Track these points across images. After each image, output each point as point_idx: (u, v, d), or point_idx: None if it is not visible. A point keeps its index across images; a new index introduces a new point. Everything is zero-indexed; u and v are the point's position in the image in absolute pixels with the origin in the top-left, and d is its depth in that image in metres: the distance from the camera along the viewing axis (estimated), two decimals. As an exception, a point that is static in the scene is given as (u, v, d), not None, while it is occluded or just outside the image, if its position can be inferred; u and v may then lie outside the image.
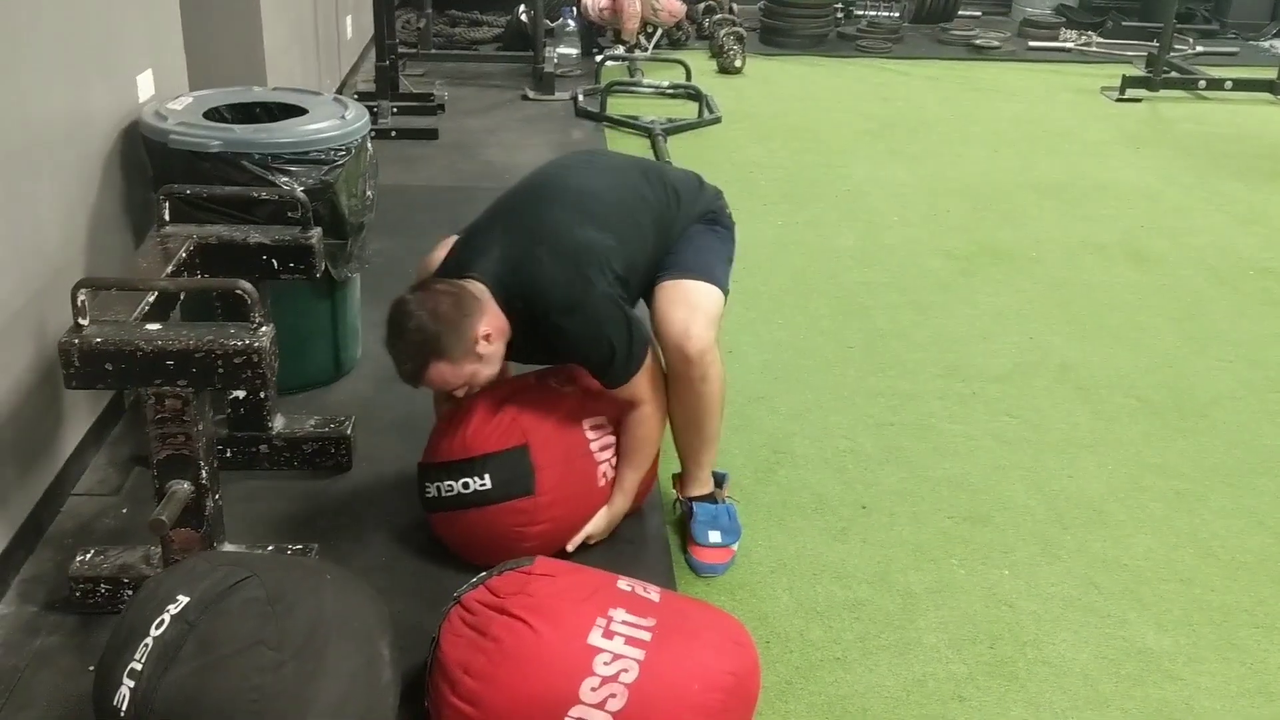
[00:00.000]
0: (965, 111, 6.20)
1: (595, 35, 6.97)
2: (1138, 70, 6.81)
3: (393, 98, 5.30)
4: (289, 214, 2.46)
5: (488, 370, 2.16)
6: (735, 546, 2.42)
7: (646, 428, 2.30)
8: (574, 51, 6.94)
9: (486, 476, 2.20)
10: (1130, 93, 6.41)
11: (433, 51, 6.46)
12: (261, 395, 2.52)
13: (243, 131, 2.63)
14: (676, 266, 2.32)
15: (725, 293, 2.35)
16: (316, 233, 2.41)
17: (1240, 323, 3.67)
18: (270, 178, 2.57)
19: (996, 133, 5.78)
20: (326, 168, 2.65)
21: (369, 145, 2.88)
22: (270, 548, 2.21)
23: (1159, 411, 3.08)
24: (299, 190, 2.52)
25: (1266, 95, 6.54)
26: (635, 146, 5.19)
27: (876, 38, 7.59)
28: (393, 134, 5.08)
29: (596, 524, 2.32)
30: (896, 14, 7.96)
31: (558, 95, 5.90)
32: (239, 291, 1.88)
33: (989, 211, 4.62)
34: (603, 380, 2.23)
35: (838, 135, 5.64)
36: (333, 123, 2.72)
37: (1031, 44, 7.71)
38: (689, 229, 2.39)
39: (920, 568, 2.40)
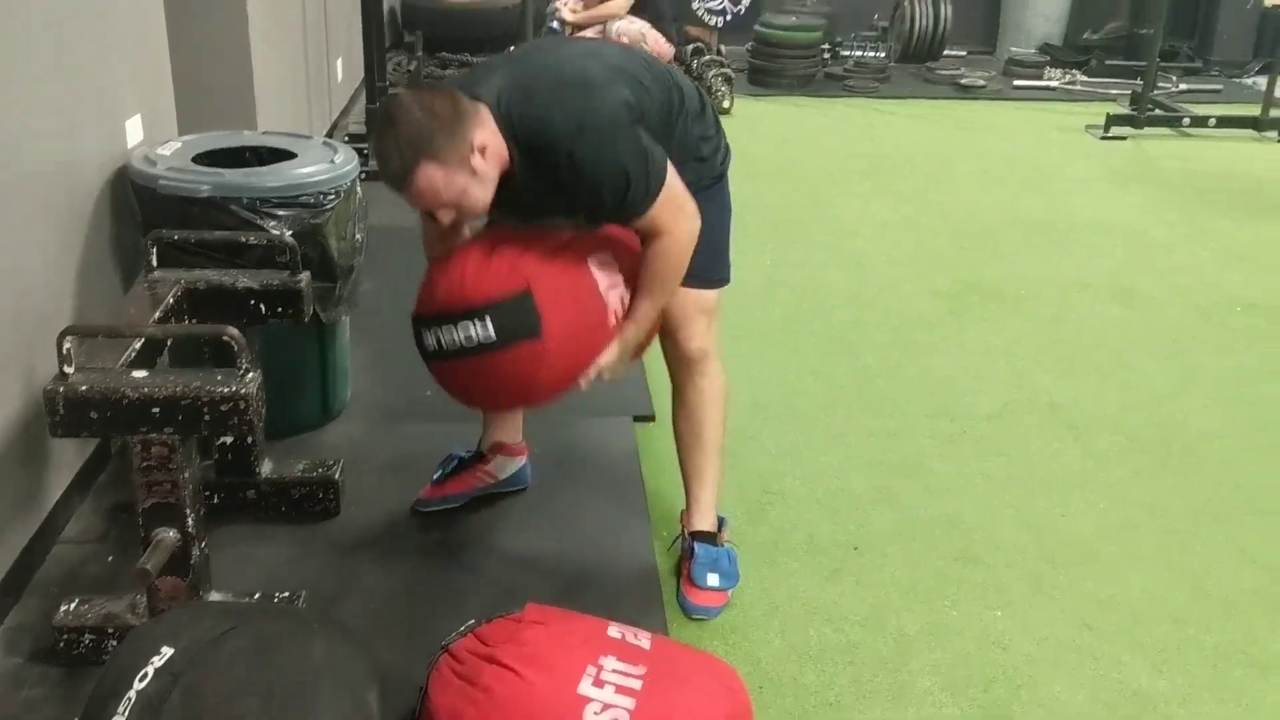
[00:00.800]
0: (952, 150, 6.25)
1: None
2: (1122, 108, 6.88)
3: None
4: (278, 258, 2.45)
5: (479, 192, 1.96)
6: (731, 591, 2.40)
7: (665, 260, 2.09)
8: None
9: (489, 324, 1.97)
10: (1115, 130, 6.47)
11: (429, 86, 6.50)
12: (249, 441, 2.51)
13: (232, 176, 2.63)
14: None
15: (726, 281, 2.37)
16: (305, 277, 2.41)
17: (1226, 359, 3.69)
18: (259, 222, 2.57)
19: (983, 171, 5.82)
20: (316, 211, 2.65)
21: (359, 188, 2.89)
22: (257, 595, 2.19)
23: (1148, 449, 3.08)
24: (288, 234, 2.52)
25: (1250, 132, 6.61)
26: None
27: (864, 77, 7.65)
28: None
29: (609, 356, 2.11)
30: (883, 54, 8.03)
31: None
32: (226, 338, 1.87)
33: (976, 249, 4.64)
34: (621, 216, 2.05)
35: (826, 174, 5.68)
36: (322, 166, 2.72)
37: (1017, 83, 7.79)
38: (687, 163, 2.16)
39: (913, 609, 2.38)
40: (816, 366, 3.53)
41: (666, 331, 2.29)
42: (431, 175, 1.91)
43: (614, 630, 1.91)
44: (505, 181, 2.01)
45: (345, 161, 2.79)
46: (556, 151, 1.95)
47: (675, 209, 2.05)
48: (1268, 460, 3.05)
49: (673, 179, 2.04)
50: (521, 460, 2.70)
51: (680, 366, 2.37)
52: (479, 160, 1.93)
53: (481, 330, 1.98)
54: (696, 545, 2.41)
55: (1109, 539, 2.66)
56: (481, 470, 2.64)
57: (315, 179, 2.67)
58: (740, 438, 3.04)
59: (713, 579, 2.38)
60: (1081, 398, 3.37)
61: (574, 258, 2.07)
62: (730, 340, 3.65)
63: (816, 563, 2.53)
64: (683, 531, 2.48)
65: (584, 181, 1.97)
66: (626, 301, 2.13)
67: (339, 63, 5.73)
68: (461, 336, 1.99)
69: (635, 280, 2.14)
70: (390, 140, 1.91)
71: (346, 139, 5.50)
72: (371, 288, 3.63)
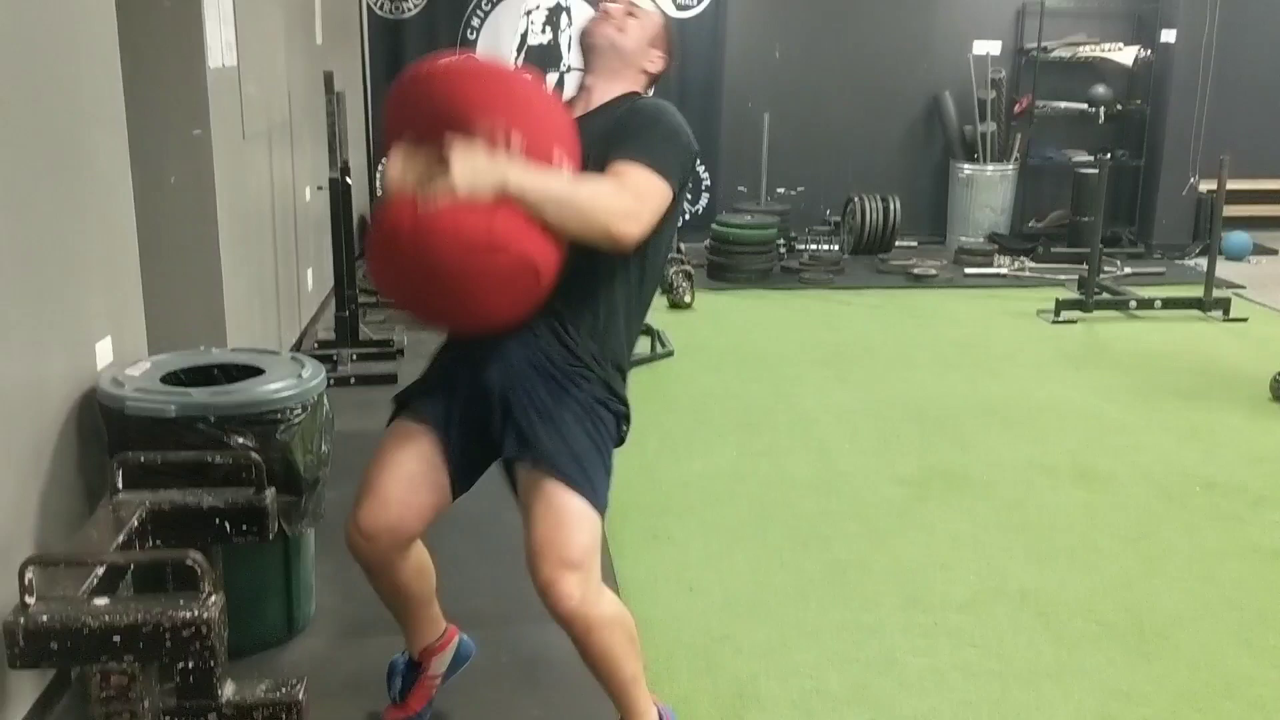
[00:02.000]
0: (908, 337, 6.42)
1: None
2: (1071, 293, 7.12)
3: (352, 345, 5.41)
4: (243, 475, 2.47)
5: (636, 37, 2.25)
6: None
7: (595, 196, 2.01)
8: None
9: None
10: (1065, 314, 6.68)
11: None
12: (210, 663, 2.46)
13: (199, 395, 2.67)
14: (554, 451, 2.11)
15: (604, 510, 2.16)
16: (270, 494, 2.42)
17: (1191, 539, 3.72)
18: (226, 439, 2.59)
19: (940, 357, 5.97)
20: (282, 426, 2.68)
21: (325, 400, 2.93)
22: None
23: (1120, 635, 3.08)
24: (253, 452, 2.55)
25: (1195, 312, 6.84)
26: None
27: (819, 270, 7.91)
28: (352, 381, 5.16)
29: (466, 158, 1.93)
30: (836, 247, 8.33)
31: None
32: (189, 562, 1.87)
33: (938, 435, 4.72)
34: (620, 148, 2.06)
35: (787, 364, 5.80)
36: (289, 382, 2.77)
37: (967, 270, 8.07)
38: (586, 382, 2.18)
39: (893, 815, 2.33)
40: (787, 559, 3.53)
41: (532, 568, 2.09)
42: None
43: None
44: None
45: (312, 375, 2.85)
46: (633, 106, 2.18)
47: (642, 193, 2.05)
48: (1240, 643, 3.05)
49: (661, 182, 2.07)
50: (453, 644, 2.64)
51: (555, 615, 2.12)
52: (651, 54, 2.27)
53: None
54: None
55: (1088, 731, 2.63)
56: (427, 679, 2.60)
57: (282, 394, 2.71)
58: (713, 637, 3.01)
59: None
60: (1051, 584, 3.37)
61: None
62: (700, 535, 3.67)
63: (793, 769, 2.48)
64: None
65: (631, 118, 2.14)
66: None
67: (309, 272, 5.88)
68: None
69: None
70: None
71: (316, 346, 5.60)
72: (336, 496, 3.63)
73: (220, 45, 4.07)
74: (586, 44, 2.26)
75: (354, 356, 5.35)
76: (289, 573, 2.92)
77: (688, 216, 8.90)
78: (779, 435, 4.72)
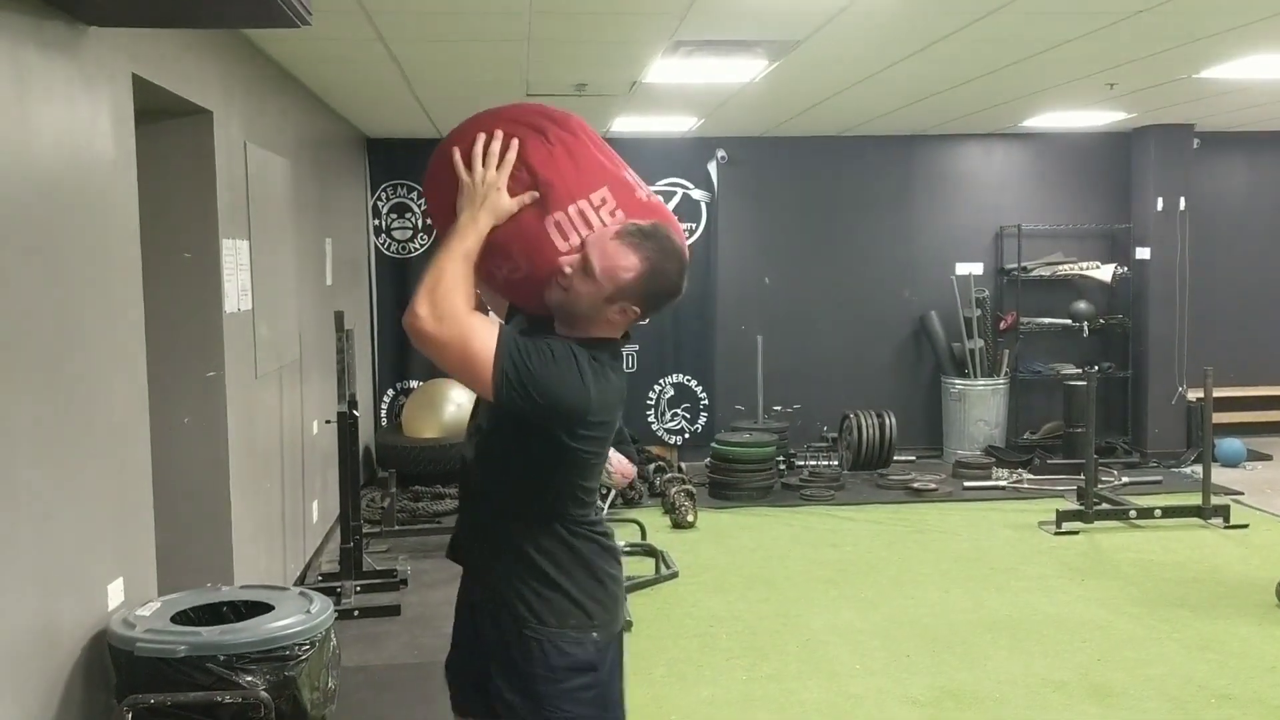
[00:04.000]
0: (912, 553, 6.42)
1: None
2: (1070, 503, 7.16)
3: (356, 577, 5.42)
4: (250, 715, 2.48)
5: (583, 291, 2.11)
6: None
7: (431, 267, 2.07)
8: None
9: None
10: (1066, 525, 6.71)
11: (396, 528, 6.68)
12: None
13: (208, 634, 2.70)
14: None
15: None
16: (278, 732, 2.42)
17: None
18: (234, 678, 2.61)
19: (944, 572, 5.96)
20: (290, 663, 2.70)
21: (332, 635, 2.95)
22: None
23: None
24: (261, 690, 2.56)
25: (1195, 520, 6.87)
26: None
27: (819, 486, 7.97)
28: (355, 613, 5.15)
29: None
30: (836, 463, 8.42)
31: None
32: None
33: (947, 653, 4.67)
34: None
35: (792, 583, 5.78)
36: (298, 618, 2.81)
37: (966, 484, 8.13)
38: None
39: None
40: (799, 790, 3.45)
41: None
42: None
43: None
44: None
45: (320, 610, 2.89)
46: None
47: (460, 317, 2.04)
48: None
49: (487, 343, 2.04)
50: None
51: None
52: (614, 313, 2.13)
53: None
54: None
55: None
56: None
57: (290, 630, 2.74)
58: None
59: None
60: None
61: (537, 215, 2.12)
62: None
63: None
64: None
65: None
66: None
67: (314, 504, 5.95)
68: None
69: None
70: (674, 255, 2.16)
71: (320, 578, 5.61)
72: (342, 733, 3.60)
73: (236, 291, 4.28)
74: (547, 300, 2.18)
75: (358, 589, 5.35)
76: (293, 817, 2.86)
77: (687, 436, 9.05)
78: (787, 659, 4.67)
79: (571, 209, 2.12)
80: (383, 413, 8.71)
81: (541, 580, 2.17)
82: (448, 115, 7.40)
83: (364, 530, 5.79)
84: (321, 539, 6.24)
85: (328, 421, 5.67)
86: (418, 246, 8.73)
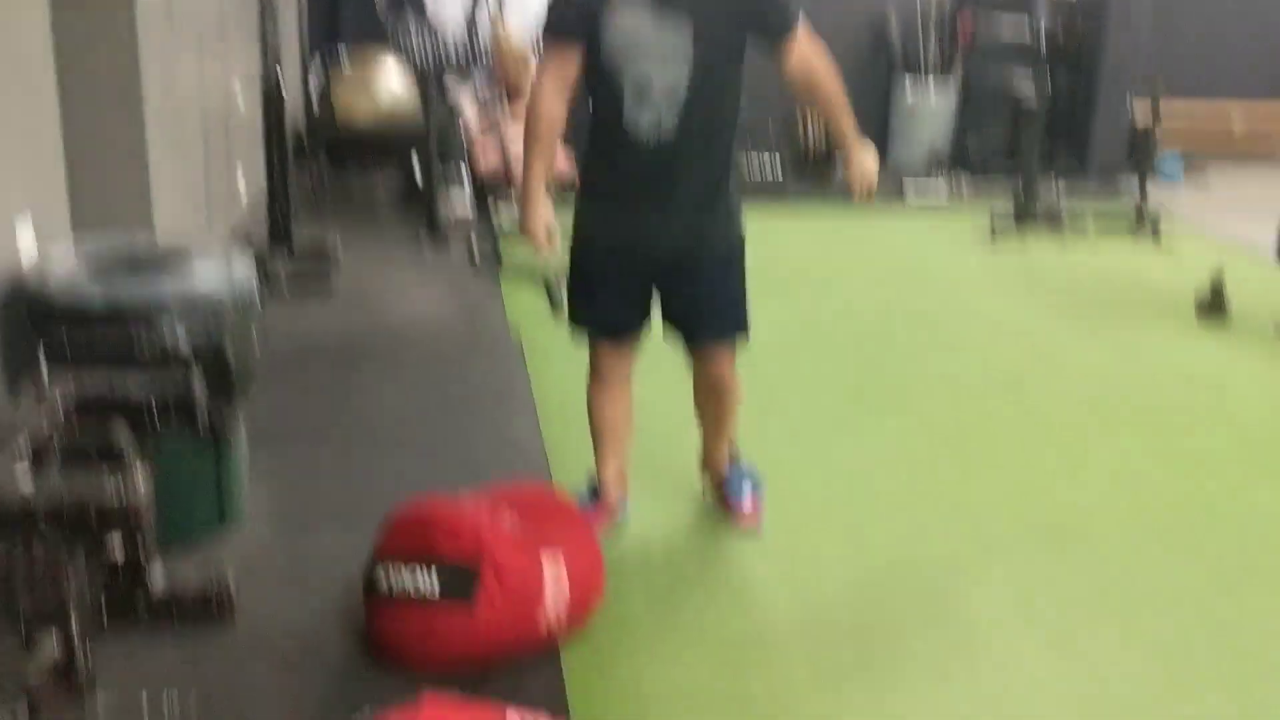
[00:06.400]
0: (845, 259, 6.44)
1: (490, 190, 7.11)
2: (1007, 213, 7.18)
3: (285, 250, 5.32)
4: (173, 367, 2.44)
5: None
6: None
7: (834, 80, 2.79)
8: (468, 205, 7.07)
9: (435, 578, 2.28)
10: (1001, 236, 6.76)
11: (328, 204, 6.53)
12: (139, 549, 2.45)
13: (127, 285, 2.62)
14: (719, 321, 2.91)
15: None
16: (200, 386, 2.39)
17: (1117, 448, 3.82)
18: (154, 331, 2.55)
19: (878, 278, 6.01)
20: (213, 320, 2.65)
21: (257, 297, 2.89)
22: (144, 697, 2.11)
23: (1039, 532, 3.16)
24: (183, 343, 2.51)
25: (1127, 233, 6.95)
26: (529, 292, 5.27)
27: (756, 188, 7.89)
28: (285, 286, 5.09)
29: (867, 177, 2.90)
30: (778, 162, 8.31)
31: (453, 248, 6.00)
32: (116, 445, 1.85)
33: (872, 349, 4.78)
34: (776, 25, 2.69)
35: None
36: (220, 275, 2.73)
37: (908, 192, 8.10)
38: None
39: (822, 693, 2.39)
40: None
41: (704, 380, 2.98)
42: None
43: (513, 717, 1.90)
44: None
45: (244, 270, 2.81)
46: None
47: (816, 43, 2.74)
48: (1166, 547, 3.15)
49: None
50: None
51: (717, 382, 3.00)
52: None
53: (428, 582, 2.28)
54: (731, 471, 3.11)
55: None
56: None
57: (213, 287, 2.67)
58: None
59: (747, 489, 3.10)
60: (976, 485, 3.45)
61: (532, 546, 2.36)
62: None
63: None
64: (710, 479, 3.15)
65: None
66: (566, 602, 2.39)
67: (239, 171, 5.74)
68: (410, 582, 2.29)
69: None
70: None
71: (248, 247, 5.50)
72: (268, 399, 3.61)
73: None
74: None
75: (287, 261, 5.26)
76: (219, 469, 2.88)
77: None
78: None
79: None
80: (312, 90, 8.30)
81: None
82: None
83: (294, 203, 5.63)
84: (249, 208, 6.07)
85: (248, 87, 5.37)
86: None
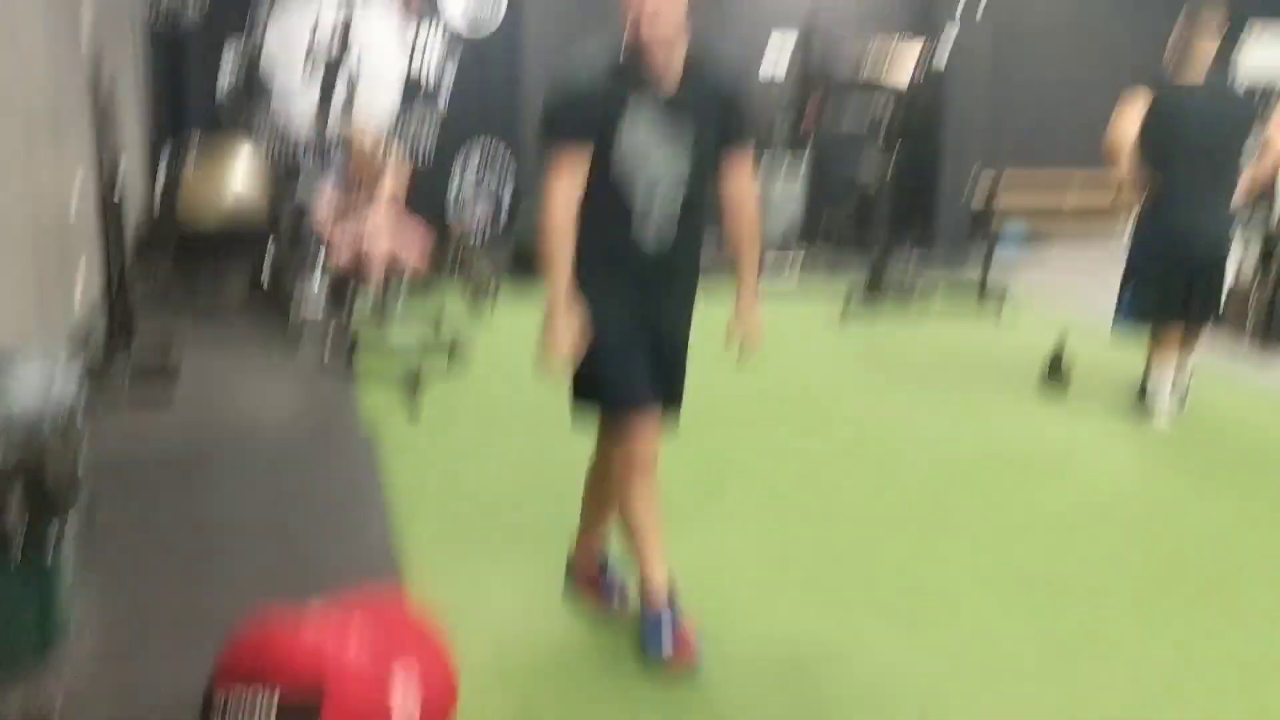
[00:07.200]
0: (699, 336, 6.48)
1: (345, 287, 6.98)
2: (858, 292, 7.38)
3: (125, 353, 5.10)
4: (-16, 487, 2.28)
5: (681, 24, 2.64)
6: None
7: (754, 224, 2.94)
8: (321, 305, 6.92)
9: (273, 712, 2.15)
10: (853, 312, 6.93)
11: (174, 302, 6.30)
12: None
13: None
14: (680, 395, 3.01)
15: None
16: (15, 504, 2.23)
17: (963, 512, 3.89)
18: (-36, 448, 2.39)
19: (728, 359, 6.04)
20: (32, 432, 2.49)
21: (84, 406, 2.74)
22: None
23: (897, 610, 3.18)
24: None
25: (972, 307, 7.21)
26: (384, 395, 5.15)
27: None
28: (124, 391, 4.86)
29: (751, 334, 3.02)
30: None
31: (305, 350, 5.85)
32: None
33: (720, 424, 4.79)
34: (739, 137, 2.83)
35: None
36: (42, 383, 2.57)
37: (762, 275, 8.25)
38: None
39: None
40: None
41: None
42: None
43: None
44: (672, 90, 2.67)
45: (70, 378, 2.66)
46: (729, 81, 2.80)
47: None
48: (1025, 619, 3.19)
49: None
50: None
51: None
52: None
53: (267, 716, 2.15)
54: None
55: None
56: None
57: (37, 400, 2.52)
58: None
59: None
60: (833, 560, 3.46)
61: (383, 662, 2.24)
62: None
63: None
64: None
65: (737, 104, 2.81)
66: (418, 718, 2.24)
67: (79, 272, 5.51)
68: (249, 714, 2.15)
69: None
70: None
71: (84, 355, 5.25)
72: (102, 519, 3.39)
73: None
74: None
75: (125, 369, 5.02)
76: (41, 598, 2.69)
77: (491, 220, 8.83)
78: (578, 436, 4.68)
79: None
80: (158, 192, 8.07)
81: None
82: None
83: (137, 306, 5.42)
84: (87, 313, 5.82)
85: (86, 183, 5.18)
86: (193, 15, 7.95)
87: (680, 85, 2.69)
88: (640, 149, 2.68)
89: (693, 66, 2.70)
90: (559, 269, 2.69)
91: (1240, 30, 7.07)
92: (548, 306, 2.72)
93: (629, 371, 2.82)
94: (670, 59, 2.66)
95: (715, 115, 2.76)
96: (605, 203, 2.71)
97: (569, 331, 2.72)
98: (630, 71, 2.66)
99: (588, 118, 2.64)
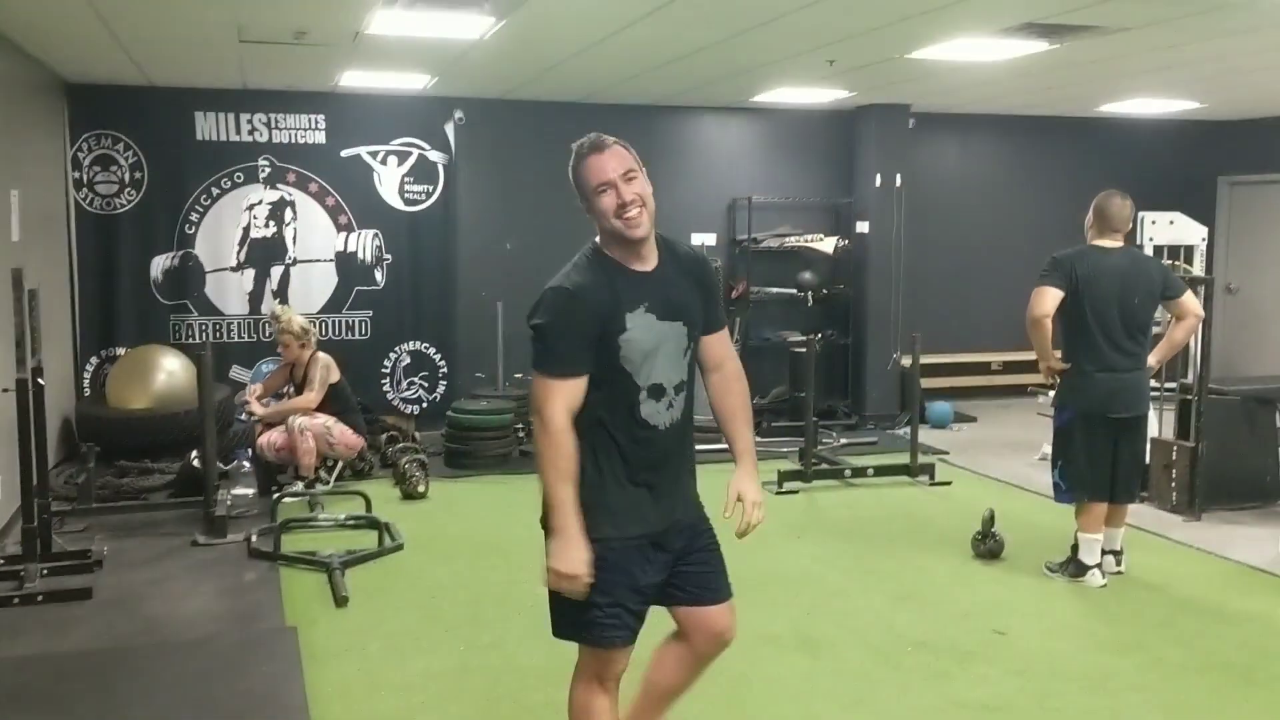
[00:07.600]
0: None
1: (274, 473, 6.92)
2: (792, 464, 7.44)
3: (42, 559, 4.96)
4: None
5: (650, 206, 2.74)
6: None
7: (742, 381, 2.99)
8: (250, 492, 6.83)
9: None
10: (787, 485, 6.96)
11: (94, 505, 6.16)
12: None
13: None
14: (726, 577, 3.09)
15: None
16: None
17: (906, 700, 3.84)
18: None
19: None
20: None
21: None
22: None
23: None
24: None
25: (904, 477, 7.28)
26: (312, 583, 5.04)
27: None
28: (39, 599, 4.71)
29: (757, 508, 3.02)
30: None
31: (230, 538, 5.73)
32: None
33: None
34: (719, 305, 2.94)
35: (524, 550, 5.69)
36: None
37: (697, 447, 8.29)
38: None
39: None
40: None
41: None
42: (629, 157, 2.76)
43: None
44: (652, 273, 2.75)
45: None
46: (697, 255, 2.93)
47: None
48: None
49: None
50: None
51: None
52: (647, 185, 2.77)
53: None
54: None
55: None
56: None
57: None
58: None
59: None
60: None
61: None
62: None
63: None
64: None
65: (709, 275, 2.90)
66: None
67: (-2, 480, 5.41)
68: None
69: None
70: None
71: (2, 561, 5.11)
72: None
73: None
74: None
75: (44, 572, 4.89)
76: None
77: (425, 405, 8.84)
78: (511, 626, 4.60)
79: None
80: (85, 382, 8.05)
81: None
82: (154, 59, 6.87)
83: (58, 509, 5.32)
84: (9, 518, 5.69)
85: (5, 390, 5.13)
86: (125, 202, 8.08)
87: (659, 261, 2.77)
88: (641, 348, 2.68)
89: (660, 242, 2.80)
90: (565, 494, 2.61)
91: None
92: (557, 529, 2.62)
93: (619, 614, 2.76)
94: (649, 246, 2.75)
95: (692, 285, 2.81)
96: (607, 399, 2.68)
97: (580, 561, 2.61)
98: (616, 273, 2.70)
99: (580, 343, 2.62)
